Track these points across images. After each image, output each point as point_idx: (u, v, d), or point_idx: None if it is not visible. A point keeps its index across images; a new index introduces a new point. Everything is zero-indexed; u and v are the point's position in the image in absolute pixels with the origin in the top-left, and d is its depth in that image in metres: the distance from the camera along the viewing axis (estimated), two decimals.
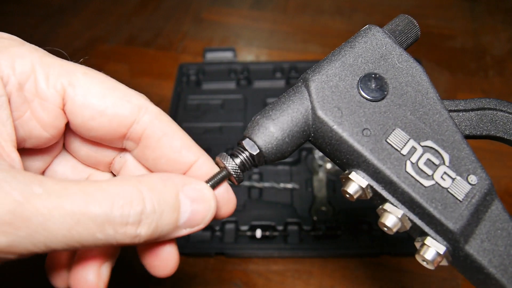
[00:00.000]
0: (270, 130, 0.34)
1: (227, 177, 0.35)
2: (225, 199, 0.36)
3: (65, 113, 0.33)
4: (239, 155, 0.35)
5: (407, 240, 0.76)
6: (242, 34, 1.17)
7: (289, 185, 0.83)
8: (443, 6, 1.18)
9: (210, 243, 0.77)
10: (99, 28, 1.19)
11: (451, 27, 1.14)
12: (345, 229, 0.77)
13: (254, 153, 0.34)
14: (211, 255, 0.77)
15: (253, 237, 0.77)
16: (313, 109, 0.34)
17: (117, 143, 0.36)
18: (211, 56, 1.05)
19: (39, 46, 0.34)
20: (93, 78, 0.34)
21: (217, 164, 0.37)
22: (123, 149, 0.38)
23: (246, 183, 0.84)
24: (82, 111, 0.33)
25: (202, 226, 0.33)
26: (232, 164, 0.35)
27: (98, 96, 0.33)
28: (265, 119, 0.34)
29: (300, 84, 0.36)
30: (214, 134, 0.91)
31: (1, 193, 0.25)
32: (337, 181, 0.84)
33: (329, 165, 0.86)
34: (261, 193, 0.83)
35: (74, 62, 0.35)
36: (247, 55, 1.11)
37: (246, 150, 0.35)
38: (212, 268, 0.76)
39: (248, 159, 0.35)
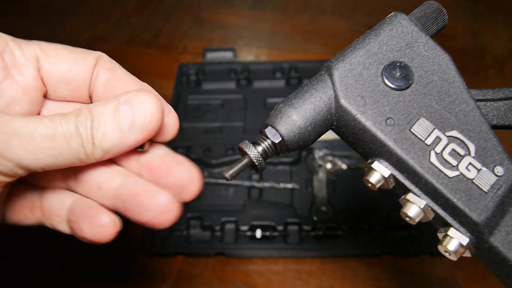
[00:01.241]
0: (293, 119, 0.34)
1: (249, 164, 0.35)
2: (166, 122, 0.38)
3: (41, 75, 0.38)
4: (261, 143, 0.35)
5: (407, 240, 0.76)
6: (242, 34, 1.17)
7: (289, 185, 0.83)
8: (443, 6, 1.18)
9: (210, 243, 0.77)
10: (99, 28, 1.19)
11: (451, 27, 1.14)
12: (345, 229, 0.77)
13: (276, 141, 0.34)
14: (211, 255, 0.76)
15: (253, 237, 0.77)
16: (336, 97, 0.34)
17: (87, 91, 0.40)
18: (211, 56, 1.05)
19: None
20: (56, 44, 0.41)
21: (240, 151, 0.36)
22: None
23: (246, 183, 0.84)
24: (59, 66, 0.38)
25: (151, 126, 0.34)
26: (254, 152, 0.35)
27: (66, 51, 0.39)
28: (287, 107, 0.34)
29: (323, 72, 0.35)
30: (214, 134, 0.91)
31: None
32: (337, 181, 0.84)
33: (329, 165, 0.86)
34: (261, 193, 0.83)
35: None
36: (247, 55, 1.11)
37: (268, 138, 0.34)
38: (212, 268, 0.76)
39: (270, 147, 0.35)
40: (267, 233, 0.77)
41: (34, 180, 0.41)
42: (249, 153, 0.35)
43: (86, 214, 0.38)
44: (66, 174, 0.40)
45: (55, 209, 0.39)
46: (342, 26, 1.17)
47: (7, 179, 0.32)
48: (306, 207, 0.80)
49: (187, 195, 0.38)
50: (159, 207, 0.36)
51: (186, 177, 0.38)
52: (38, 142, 0.31)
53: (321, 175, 0.84)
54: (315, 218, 0.79)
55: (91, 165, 0.38)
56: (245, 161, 0.35)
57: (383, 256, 0.76)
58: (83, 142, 0.32)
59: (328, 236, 0.77)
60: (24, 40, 0.38)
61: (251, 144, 0.35)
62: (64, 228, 0.39)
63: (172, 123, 0.38)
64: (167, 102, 0.38)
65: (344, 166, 0.86)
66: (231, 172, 0.35)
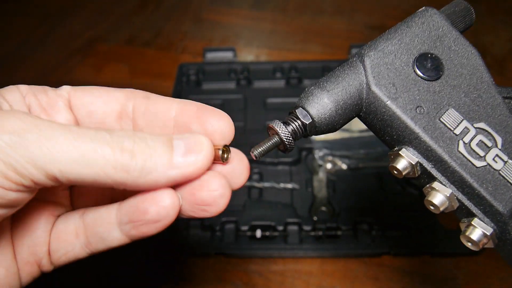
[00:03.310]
0: (324, 101, 0.34)
1: (279, 143, 0.35)
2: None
3: (72, 111, 0.38)
4: (291, 123, 0.35)
5: (407, 240, 0.75)
6: (242, 34, 1.17)
7: (289, 185, 0.83)
8: (443, 6, 1.18)
9: (210, 243, 0.77)
10: (99, 28, 1.19)
11: None
12: (345, 229, 0.77)
13: (307, 122, 0.35)
14: (211, 255, 0.76)
15: (253, 237, 0.77)
16: (367, 84, 0.35)
17: (117, 124, 0.40)
18: (211, 56, 1.05)
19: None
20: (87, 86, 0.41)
21: (268, 130, 0.36)
22: None
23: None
24: (83, 99, 0.38)
25: (200, 164, 0.33)
26: (284, 130, 0.35)
27: (94, 89, 0.40)
28: (319, 90, 0.35)
29: (355, 59, 0.36)
30: None
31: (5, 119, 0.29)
32: (337, 181, 0.84)
33: (329, 165, 0.86)
34: (261, 193, 0.83)
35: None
36: (247, 55, 1.11)
37: (299, 119, 0.35)
38: (212, 268, 0.76)
39: (300, 128, 0.35)
40: (267, 233, 0.77)
41: (83, 204, 0.41)
42: (279, 132, 0.35)
43: (144, 197, 0.36)
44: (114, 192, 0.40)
45: (102, 219, 0.38)
46: (342, 26, 1.17)
47: (24, 181, 0.30)
48: (306, 207, 0.80)
49: (237, 182, 0.38)
50: (211, 185, 0.35)
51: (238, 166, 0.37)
52: (57, 141, 0.29)
53: (321, 175, 0.84)
54: (315, 218, 0.79)
55: None
56: (275, 139, 0.35)
57: (383, 256, 0.76)
58: (114, 153, 0.30)
59: (328, 236, 0.77)
60: (59, 87, 0.40)
61: (282, 123, 0.35)
62: (116, 235, 0.38)
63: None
64: None
65: (344, 166, 0.86)
66: (260, 150, 0.35)
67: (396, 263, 0.75)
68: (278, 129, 0.35)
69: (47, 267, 0.39)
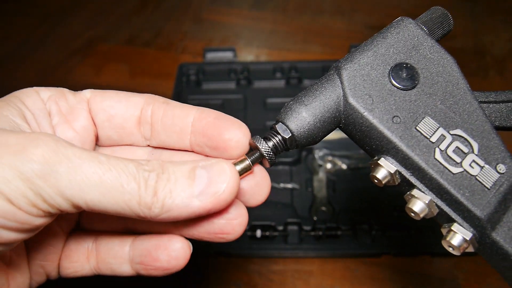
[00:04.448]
0: (303, 115, 0.35)
1: (260, 158, 0.36)
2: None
3: (91, 116, 0.38)
4: (272, 139, 0.36)
5: (407, 240, 0.76)
6: (242, 34, 1.17)
7: (289, 185, 0.83)
8: (443, 6, 1.18)
9: (210, 243, 0.77)
10: (99, 28, 1.19)
11: None
12: (345, 229, 0.77)
13: (287, 137, 0.36)
14: (211, 255, 0.76)
15: (253, 237, 0.77)
16: (344, 96, 0.35)
17: (136, 129, 0.40)
18: (211, 56, 1.05)
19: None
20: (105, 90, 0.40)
21: (250, 146, 0.37)
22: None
23: None
24: (102, 104, 0.38)
25: (223, 196, 0.32)
26: (265, 146, 0.36)
27: (113, 93, 0.39)
28: (298, 104, 0.36)
29: (332, 72, 0.37)
30: None
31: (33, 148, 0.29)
32: (337, 181, 0.84)
33: (329, 165, 0.86)
34: None
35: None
36: (247, 55, 1.11)
37: (279, 133, 0.36)
38: (212, 268, 0.76)
39: (281, 142, 0.36)
40: (267, 233, 0.77)
41: (90, 223, 0.41)
42: (260, 147, 0.36)
43: (157, 243, 0.37)
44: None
45: (114, 251, 0.38)
46: (342, 26, 1.17)
47: (51, 210, 0.30)
48: (306, 207, 0.80)
49: (256, 199, 0.38)
50: (229, 214, 0.35)
51: (254, 180, 0.37)
52: (86, 174, 0.29)
53: (321, 175, 0.84)
54: (315, 218, 0.79)
55: None
56: (256, 155, 0.36)
57: (383, 256, 0.76)
58: (140, 189, 0.30)
59: (328, 236, 0.77)
60: (78, 91, 0.39)
61: (262, 139, 0.36)
62: (126, 269, 0.39)
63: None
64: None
65: (344, 166, 0.86)
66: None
67: (396, 263, 0.75)
68: (258, 145, 0.36)
69: (54, 277, 0.40)
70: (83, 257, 0.40)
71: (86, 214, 0.41)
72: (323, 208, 0.80)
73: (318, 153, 0.87)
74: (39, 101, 0.36)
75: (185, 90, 0.99)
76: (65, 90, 0.38)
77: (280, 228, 0.78)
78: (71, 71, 1.08)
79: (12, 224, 0.29)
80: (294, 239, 0.77)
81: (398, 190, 0.37)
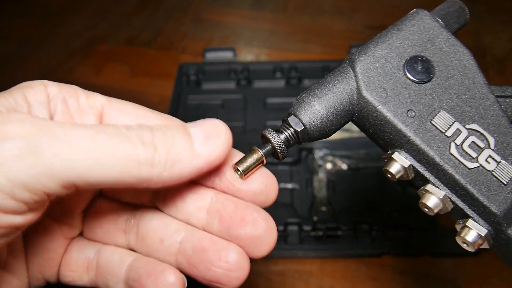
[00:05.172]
0: (315, 108, 0.35)
1: (272, 151, 0.36)
2: (264, 184, 0.35)
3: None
4: (284, 131, 0.36)
5: (407, 240, 0.75)
6: (242, 34, 1.17)
7: (289, 185, 0.83)
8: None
9: None
10: (99, 28, 1.19)
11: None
12: (345, 229, 0.77)
13: (299, 130, 0.35)
14: None
15: None
16: (358, 89, 0.35)
17: None
18: (211, 56, 1.05)
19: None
20: (124, 101, 0.37)
21: (262, 138, 0.37)
22: None
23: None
24: (117, 119, 0.35)
25: (225, 145, 0.31)
26: (277, 139, 0.35)
27: (131, 108, 0.35)
28: (310, 97, 0.35)
29: (346, 64, 0.36)
30: None
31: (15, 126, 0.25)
32: (337, 181, 0.84)
33: (329, 165, 0.86)
34: None
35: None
36: (247, 55, 1.11)
37: (291, 126, 0.35)
38: None
39: (293, 135, 0.35)
40: None
41: (93, 234, 0.39)
42: (272, 140, 0.35)
43: (150, 271, 0.35)
44: (128, 227, 0.38)
45: (113, 268, 0.37)
46: (342, 26, 1.17)
47: (35, 197, 0.26)
48: (306, 207, 0.80)
49: (260, 249, 0.34)
50: (228, 264, 0.33)
51: (261, 228, 0.34)
52: (74, 141, 0.25)
53: (321, 175, 0.84)
54: (315, 218, 0.79)
55: (154, 215, 0.36)
56: (268, 147, 0.36)
57: (383, 256, 0.76)
58: (136, 147, 0.28)
59: (328, 236, 0.76)
60: (93, 92, 0.36)
61: (274, 132, 0.36)
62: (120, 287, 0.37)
63: (273, 185, 0.36)
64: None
65: (344, 166, 0.86)
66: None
67: (396, 263, 0.75)
68: (270, 137, 0.35)
69: (53, 282, 0.39)
70: (83, 267, 0.38)
71: (89, 223, 0.40)
72: (323, 208, 0.80)
73: (318, 153, 0.87)
74: (42, 95, 0.32)
75: (185, 90, 0.99)
76: (78, 88, 0.35)
77: (280, 228, 0.78)
78: (71, 71, 1.08)
79: None
80: (294, 239, 0.77)
81: (411, 184, 0.36)
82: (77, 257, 0.39)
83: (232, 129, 1.00)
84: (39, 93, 0.32)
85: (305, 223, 0.78)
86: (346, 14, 1.21)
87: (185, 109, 0.96)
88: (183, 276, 0.35)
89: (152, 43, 1.15)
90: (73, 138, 0.26)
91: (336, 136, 0.89)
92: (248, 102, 0.97)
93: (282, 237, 0.77)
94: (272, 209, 0.86)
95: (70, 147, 0.25)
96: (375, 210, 0.79)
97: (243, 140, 0.87)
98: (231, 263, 0.33)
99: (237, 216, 0.34)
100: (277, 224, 0.79)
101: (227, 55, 1.05)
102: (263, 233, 0.34)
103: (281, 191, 0.83)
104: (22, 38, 1.16)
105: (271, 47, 1.13)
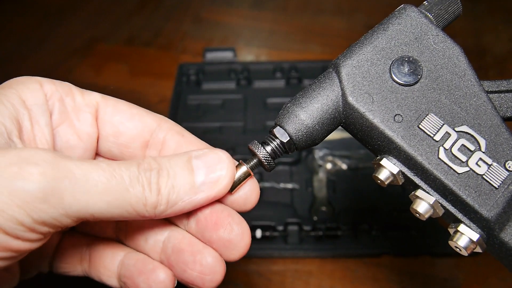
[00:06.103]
0: (300, 118, 0.34)
1: (259, 164, 0.36)
2: (248, 190, 0.36)
3: (97, 123, 0.36)
4: (270, 143, 0.35)
5: (407, 240, 0.75)
6: (242, 34, 1.17)
7: (289, 185, 0.83)
8: None
9: None
10: (99, 28, 1.19)
11: (451, 27, 1.13)
12: (345, 229, 0.77)
13: (285, 141, 0.35)
14: None
15: (253, 237, 0.77)
16: (343, 95, 0.34)
17: (141, 151, 0.38)
18: (211, 56, 1.05)
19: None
20: (119, 99, 0.38)
21: (249, 151, 0.37)
22: None
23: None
24: (113, 117, 0.36)
25: (225, 182, 0.32)
26: (263, 152, 0.35)
27: (125, 107, 0.37)
28: (295, 107, 0.34)
29: (331, 70, 0.35)
30: (214, 134, 0.91)
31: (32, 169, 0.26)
32: (337, 181, 0.84)
33: (329, 165, 0.86)
34: (261, 193, 0.83)
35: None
36: (247, 55, 1.11)
37: (277, 137, 0.35)
38: None
39: (279, 146, 0.35)
40: (267, 233, 0.77)
41: (86, 228, 0.40)
42: (258, 153, 0.35)
43: (141, 269, 0.36)
44: (118, 222, 0.39)
45: (105, 262, 0.38)
46: (342, 26, 1.17)
47: (51, 230, 0.28)
48: (306, 207, 0.80)
49: (232, 253, 0.35)
50: (202, 267, 0.34)
51: (233, 233, 0.35)
52: (92, 185, 0.27)
53: (321, 175, 0.84)
54: (315, 218, 0.79)
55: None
56: (254, 160, 0.35)
57: (383, 256, 0.75)
58: (145, 191, 0.29)
59: (328, 236, 0.76)
60: (87, 90, 0.37)
61: (260, 144, 0.35)
62: (113, 282, 0.38)
63: (254, 190, 0.36)
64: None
65: (344, 166, 0.86)
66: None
67: (396, 263, 0.75)
68: (256, 150, 0.35)
69: (45, 272, 0.39)
70: (76, 259, 0.39)
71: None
72: (323, 208, 0.80)
73: (318, 153, 0.87)
74: (40, 95, 0.33)
75: (185, 90, 0.99)
76: (72, 86, 0.36)
77: (280, 228, 0.78)
78: (71, 71, 1.08)
79: (5, 254, 0.27)
80: (294, 239, 0.77)
81: (404, 188, 0.35)
82: (71, 250, 0.39)
83: (232, 129, 1.01)
84: (36, 93, 0.33)
85: (305, 223, 0.78)
86: (346, 14, 1.20)
87: (185, 109, 0.96)
88: (172, 273, 0.36)
89: (152, 43, 1.15)
90: (90, 182, 0.28)
91: (336, 136, 0.89)
92: (248, 102, 0.97)
93: (282, 237, 0.77)
94: (272, 209, 0.86)
95: (89, 193, 0.27)
96: (375, 210, 0.79)
97: (243, 140, 0.87)
98: (205, 266, 0.34)
99: (211, 219, 0.35)
100: (277, 224, 0.80)
101: (227, 55, 1.05)
102: (234, 237, 0.35)
103: (281, 191, 0.83)
104: (22, 38, 1.16)
105: (271, 47, 1.13)
